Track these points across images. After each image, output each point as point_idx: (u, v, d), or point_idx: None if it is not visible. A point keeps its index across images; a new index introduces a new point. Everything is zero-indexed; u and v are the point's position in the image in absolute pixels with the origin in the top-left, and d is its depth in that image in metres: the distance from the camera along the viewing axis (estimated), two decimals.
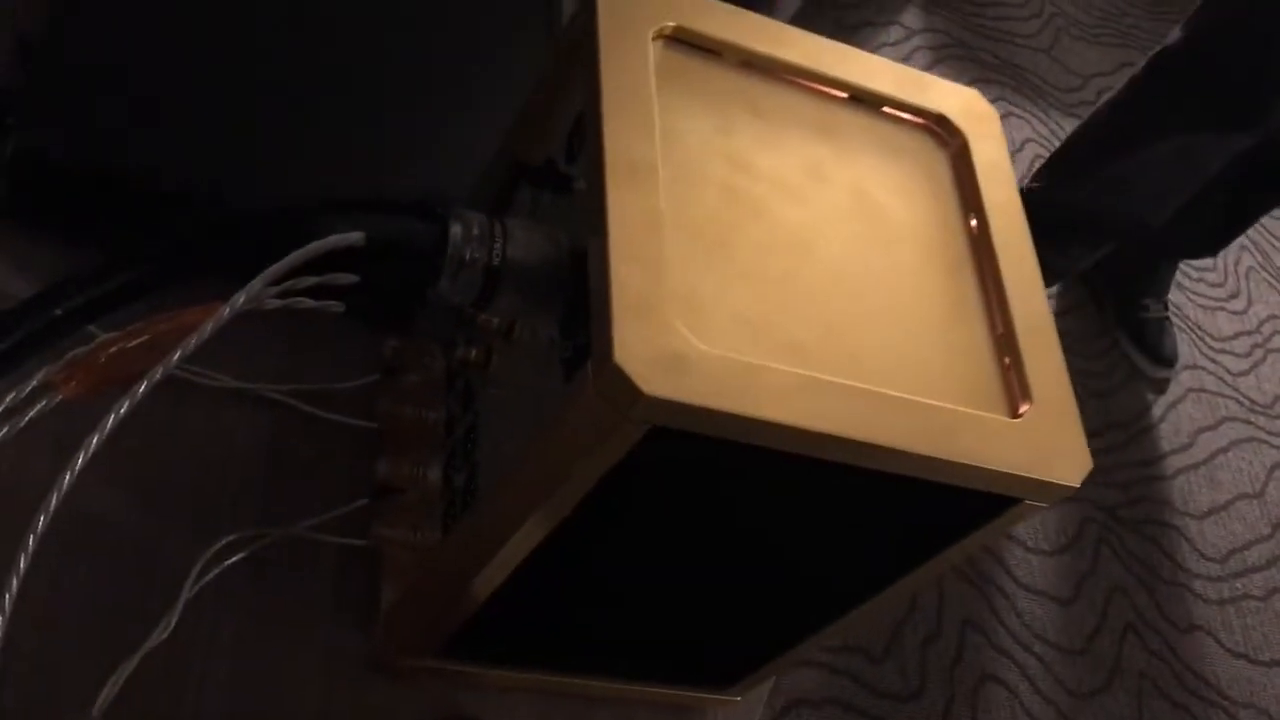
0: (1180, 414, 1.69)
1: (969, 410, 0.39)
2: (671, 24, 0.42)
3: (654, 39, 0.41)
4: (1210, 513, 1.60)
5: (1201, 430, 1.70)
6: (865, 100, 0.45)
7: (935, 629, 1.32)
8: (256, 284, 0.38)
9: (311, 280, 0.49)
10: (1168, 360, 1.71)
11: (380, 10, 0.58)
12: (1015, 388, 0.40)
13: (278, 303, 0.50)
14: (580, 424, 0.35)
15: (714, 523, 0.40)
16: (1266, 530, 1.62)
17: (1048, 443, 0.39)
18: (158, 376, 0.38)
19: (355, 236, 0.37)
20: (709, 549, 0.42)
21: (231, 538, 0.48)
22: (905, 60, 1.85)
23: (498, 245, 0.37)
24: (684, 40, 0.42)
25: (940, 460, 0.37)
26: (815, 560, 0.43)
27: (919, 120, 0.46)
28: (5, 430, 0.40)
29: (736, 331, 0.36)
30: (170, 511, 0.48)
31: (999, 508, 0.40)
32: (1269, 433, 1.73)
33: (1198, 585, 1.52)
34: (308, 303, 0.51)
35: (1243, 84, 1.32)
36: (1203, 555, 1.56)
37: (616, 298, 0.34)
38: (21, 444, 0.40)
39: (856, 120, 0.45)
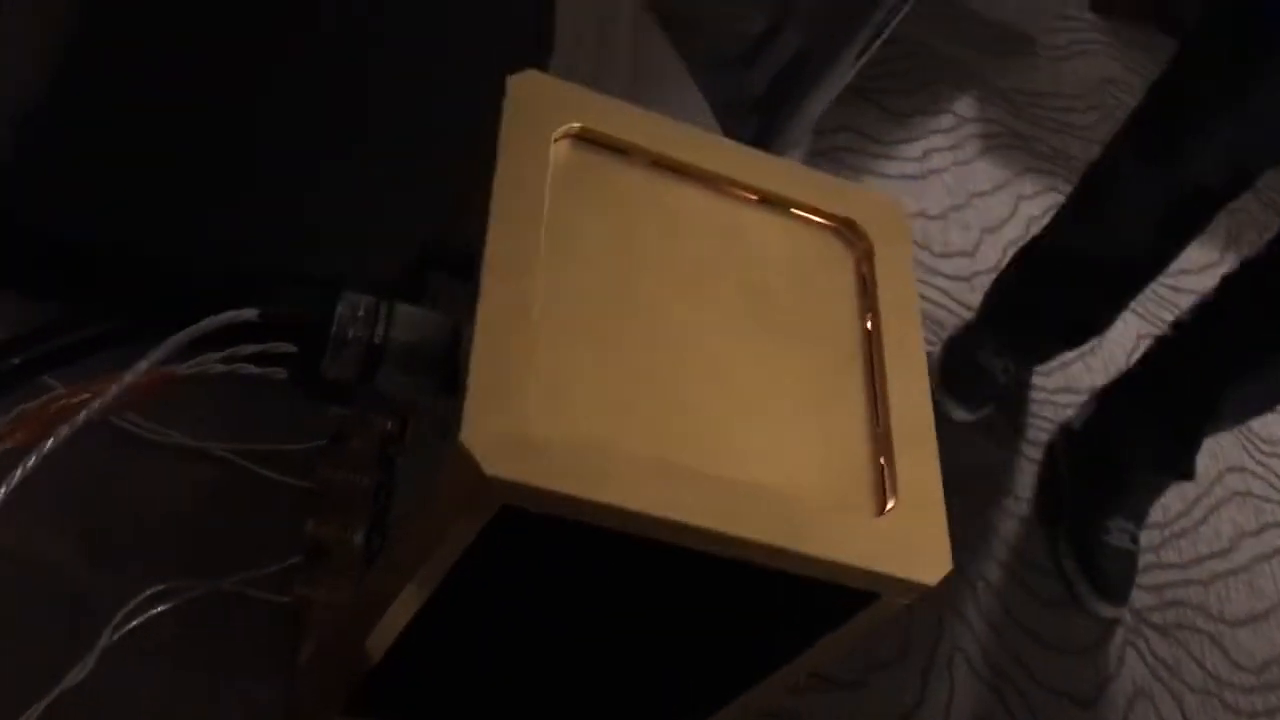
0: (1221, 517, 1.65)
1: (832, 505, 0.40)
2: (577, 125, 0.44)
3: (558, 139, 0.44)
4: (1248, 621, 1.56)
5: (1244, 535, 1.66)
6: (775, 203, 0.47)
7: None
8: (159, 353, 0.41)
9: (253, 348, 0.52)
10: (1115, 596, 1.50)
11: (344, 104, 0.62)
12: (885, 486, 0.42)
13: (222, 368, 0.53)
14: (442, 501, 0.37)
15: (581, 602, 0.42)
16: None
17: (908, 541, 0.40)
18: (80, 421, 0.41)
19: (250, 313, 0.40)
20: (581, 628, 0.43)
21: (160, 587, 0.50)
22: (954, 149, 1.86)
23: (380, 326, 0.39)
24: (592, 140, 0.45)
25: (793, 552, 0.38)
26: (686, 648, 0.44)
27: (827, 223, 0.48)
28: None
29: (598, 419, 0.38)
30: (106, 558, 0.51)
31: (859, 603, 0.41)
32: None
33: (1229, 695, 1.48)
34: (251, 369, 0.54)
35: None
36: (1236, 665, 1.51)
37: (473, 380, 0.37)
38: None
39: (763, 221, 0.46)
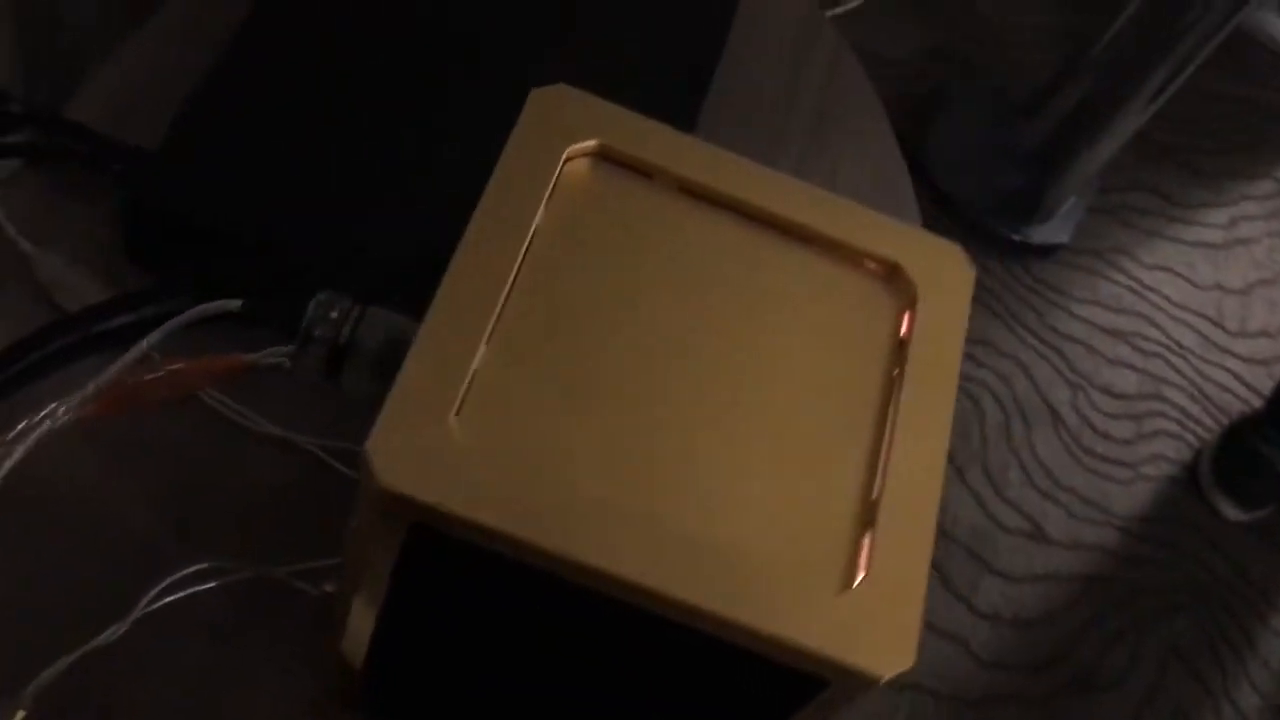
0: None
1: (791, 574, 0.36)
2: (594, 142, 0.42)
3: (574, 156, 0.42)
4: None
5: None
6: (815, 241, 0.43)
7: None
8: (143, 344, 0.42)
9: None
10: None
11: (487, 121, 0.62)
12: (860, 559, 0.37)
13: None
14: (361, 514, 0.36)
15: (513, 637, 0.40)
16: None
17: (868, 624, 0.36)
18: (75, 403, 0.44)
19: (234, 304, 0.41)
20: (519, 662, 0.41)
21: (205, 565, 0.52)
22: (1270, 218, 1.68)
23: (347, 327, 0.39)
24: (613, 160, 0.43)
25: (722, 618, 0.35)
26: (632, 710, 0.41)
27: (871, 267, 0.43)
28: (34, 438, 0.47)
29: (536, 448, 0.36)
30: (174, 532, 0.54)
31: (806, 690, 0.36)
32: None
33: None
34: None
35: None
36: None
37: (399, 388, 0.36)
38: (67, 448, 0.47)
39: (797, 260, 0.43)
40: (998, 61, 1.72)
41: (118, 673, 0.50)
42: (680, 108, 0.68)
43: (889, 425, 0.40)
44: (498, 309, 0.38)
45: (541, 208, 0.40)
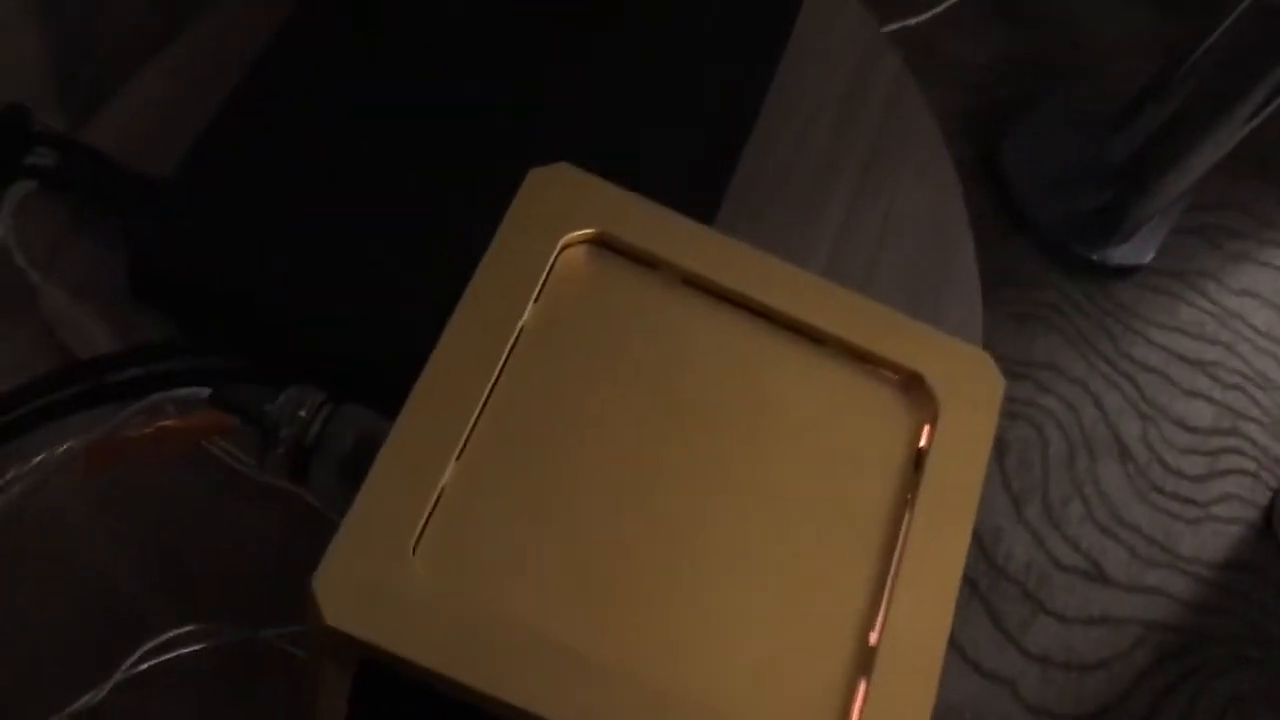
0: None
1: None
2: (593, 229, 0.39)
3: (572, 244, 0.39)
4: None
5: None
6: (830, 345, 0.40)
7: None
8: (109, 428, 0.40)
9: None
10: None
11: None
12: (852, 716, 0.34)
13: None
14: (311, 643, 0.34)
15: None
16: None
17: None
18: (57, 463, 0.42)
19: (202, 392, 0.39)
20: None
21: (191, 628, 0.51)
22: None
23: (315, 426, 0.37)
24: (615, 249, 0.40)
25: None
26: None
27: (890, 377, 0.40)
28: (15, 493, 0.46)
29: (502, 586, 0.33)
30: (154, 586, 0.52)
31: None
32: None
33: None
34: None
35: None
36: None
37: (354, 514, 0.33)
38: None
39: (808, 366, 0.39)
40: (1085, 69, 1.64)
41: None
42: (722, 148, 0.65)
43: (896, 557, 0.37)
44: (472, 420, 0.35)
45: (531, 303, 0.37)
